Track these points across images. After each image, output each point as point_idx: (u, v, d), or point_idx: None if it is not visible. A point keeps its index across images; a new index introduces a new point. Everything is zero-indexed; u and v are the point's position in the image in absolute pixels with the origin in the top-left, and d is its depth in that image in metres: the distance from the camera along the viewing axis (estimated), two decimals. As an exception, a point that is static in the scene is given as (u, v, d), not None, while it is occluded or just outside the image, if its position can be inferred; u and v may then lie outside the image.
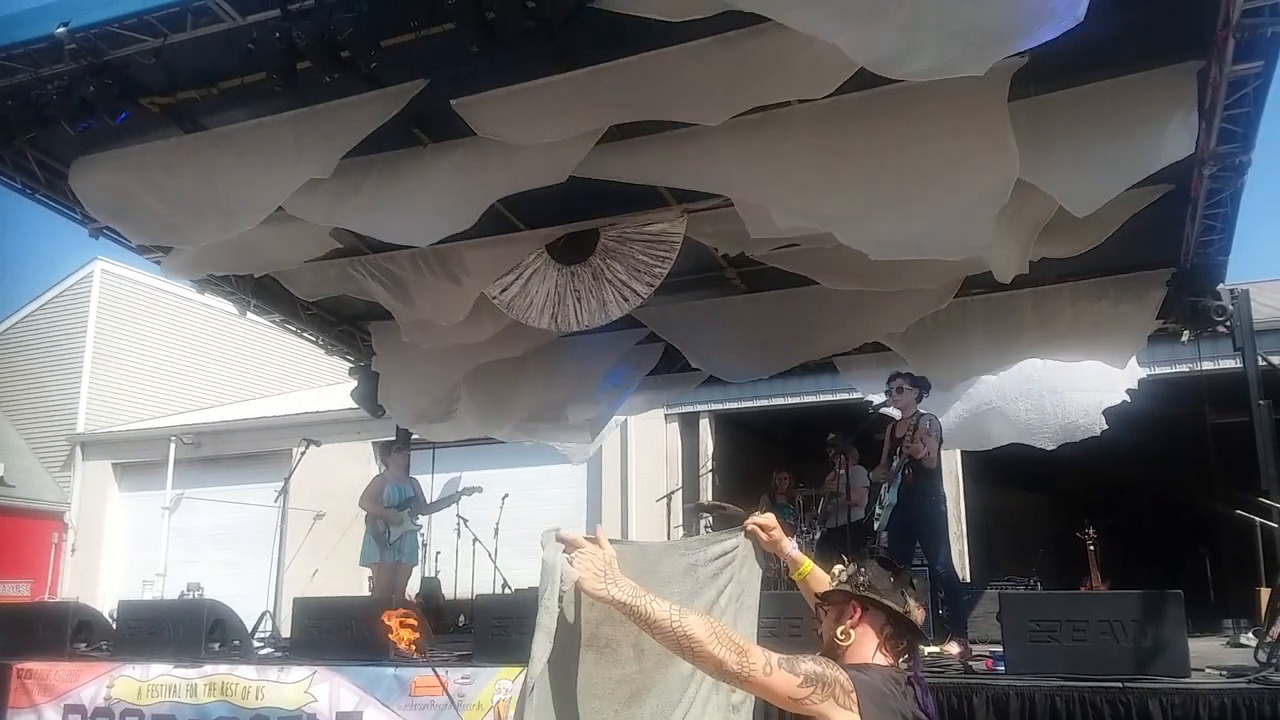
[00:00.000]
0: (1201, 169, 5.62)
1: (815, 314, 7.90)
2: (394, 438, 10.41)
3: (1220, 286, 7.19)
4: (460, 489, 9.30)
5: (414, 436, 10.38)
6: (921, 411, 6.87)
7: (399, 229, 6.31)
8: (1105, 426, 8.22)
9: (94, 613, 7.22)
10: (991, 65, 4.21)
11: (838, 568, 2.65)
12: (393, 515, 8.76)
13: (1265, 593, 6.14)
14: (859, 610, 2.51)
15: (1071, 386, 8.20)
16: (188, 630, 6.24)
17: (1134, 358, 7.93)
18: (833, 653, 2.49)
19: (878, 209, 5.45)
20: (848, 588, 2.55)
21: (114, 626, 6.77)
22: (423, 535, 9.22)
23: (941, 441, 6.88)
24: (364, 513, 8.96)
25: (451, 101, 5.42)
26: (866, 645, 2.49)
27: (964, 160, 5.08)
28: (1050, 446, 8.49)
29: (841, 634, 2.50)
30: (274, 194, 5.81)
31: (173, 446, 18.05)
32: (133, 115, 5.58)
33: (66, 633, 6.57)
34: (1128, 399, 8.14)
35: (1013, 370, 8.26)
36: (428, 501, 9.26)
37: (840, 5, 4.22)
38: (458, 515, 9.65)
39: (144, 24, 5.04)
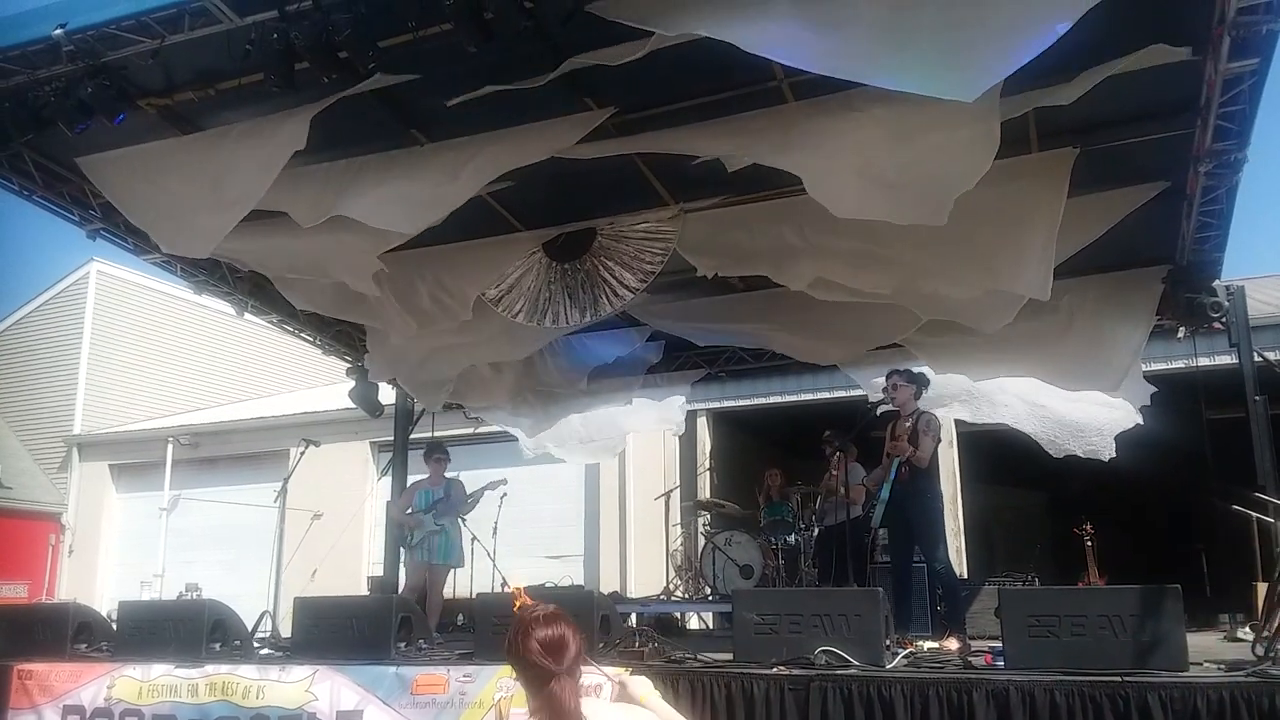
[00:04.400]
0: (1197, 166, 5.65)
1: (815, 315, 7.90)
2: (392, 439, 10.44)
3: (1216, 283, 7.21)
4: (485, 485, 9.29)
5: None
6: (922, 410, 6.87)
7: (391, 216, 6.25)
8: (1114, 454, 8.16)
9: (94, 613, 7.20)
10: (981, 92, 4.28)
11: None
12: (410, 520, 8.82)
13: (1262, 587, 6.16)
14: None
15: (1090, 399, 8.15)
16: (188, 630, 6.22)
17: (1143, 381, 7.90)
18: None
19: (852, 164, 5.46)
20: None
21: (114, 627, 6.76)
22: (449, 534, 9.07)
23: (939, 440, 6.88)
24: (376, 515, 8.99)
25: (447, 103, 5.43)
26: None
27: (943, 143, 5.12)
28: (1056, 455, 8.46)
29: None
30: (264, 176, 5.74)
31: (170, 447, 18.02)
32: (130, 116, 5.59)
33: (67, 634, 6.55)
34: (1140, 422, 8.08)
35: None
36: (465, 501, 9.17)
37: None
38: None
39: (141, 25, 5.06)
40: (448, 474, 9.21)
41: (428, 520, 8.80)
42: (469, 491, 9.26)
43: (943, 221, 5.18)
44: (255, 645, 6.72)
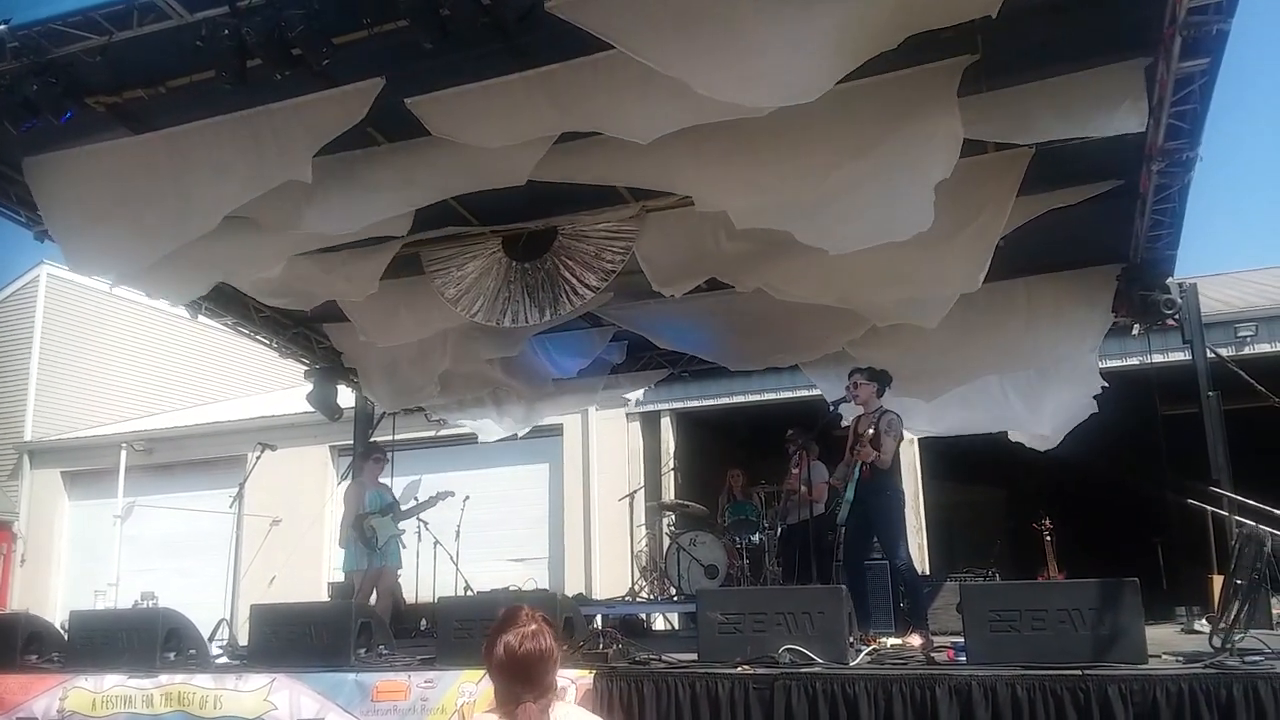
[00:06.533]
0: (1150, 165, 5.72)
1: (766, 316, 7.92)
2: (352, 443, 10.31)
3: (1169, 280, 7.32)
4: (436, 494, 9.20)
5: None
6: (885, 408, 6.88)
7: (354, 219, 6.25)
8: (1054, 445, 8.38)
9: (45, 623, 7.02)
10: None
11: None
12: (381, 521, 8.69)
13: (1218, 580, 6.25)
14: None
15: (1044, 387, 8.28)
16: (142, 640, 6.09)
17: (1097, 370, 8.01)
18: None
19: (829, 200, 5.48)
20: None
21: (66, 637, 6.60)
22: (403, 540, 9.03)
23: (900, 439, 6.91)
24: (336, 519, 8.81)
25: (405, 100, 5.37)
26: None
27: (908, 146, 5.14)
28: (1011, 437, 8.65)
29: None
30: (240, 195, 5.70)
31: (124, 453, 17.71)
32: (78, 115, 5.46)
33: (17, 644, 6.37)
34: (1095, 410, 8.21)
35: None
36: (401, 507, 9.12)
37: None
38: (418, 518, 9.56)
39: (89, 21, 4.96)
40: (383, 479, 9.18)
41: (390, 524, 8.71)
42: (420, 499, 9.28)
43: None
44: (213, 654, 6.59)
